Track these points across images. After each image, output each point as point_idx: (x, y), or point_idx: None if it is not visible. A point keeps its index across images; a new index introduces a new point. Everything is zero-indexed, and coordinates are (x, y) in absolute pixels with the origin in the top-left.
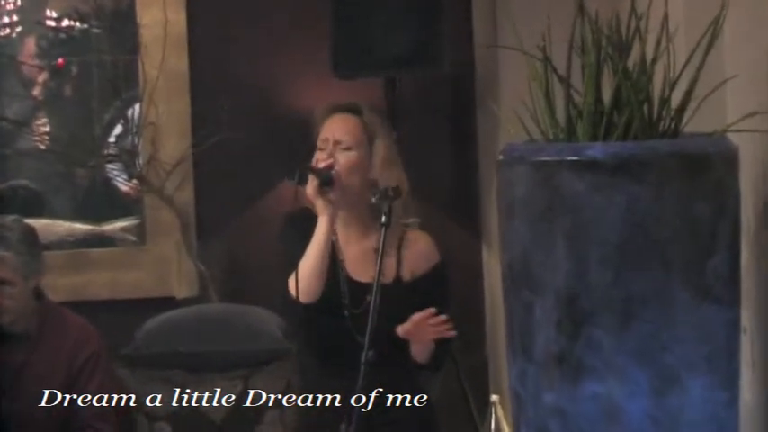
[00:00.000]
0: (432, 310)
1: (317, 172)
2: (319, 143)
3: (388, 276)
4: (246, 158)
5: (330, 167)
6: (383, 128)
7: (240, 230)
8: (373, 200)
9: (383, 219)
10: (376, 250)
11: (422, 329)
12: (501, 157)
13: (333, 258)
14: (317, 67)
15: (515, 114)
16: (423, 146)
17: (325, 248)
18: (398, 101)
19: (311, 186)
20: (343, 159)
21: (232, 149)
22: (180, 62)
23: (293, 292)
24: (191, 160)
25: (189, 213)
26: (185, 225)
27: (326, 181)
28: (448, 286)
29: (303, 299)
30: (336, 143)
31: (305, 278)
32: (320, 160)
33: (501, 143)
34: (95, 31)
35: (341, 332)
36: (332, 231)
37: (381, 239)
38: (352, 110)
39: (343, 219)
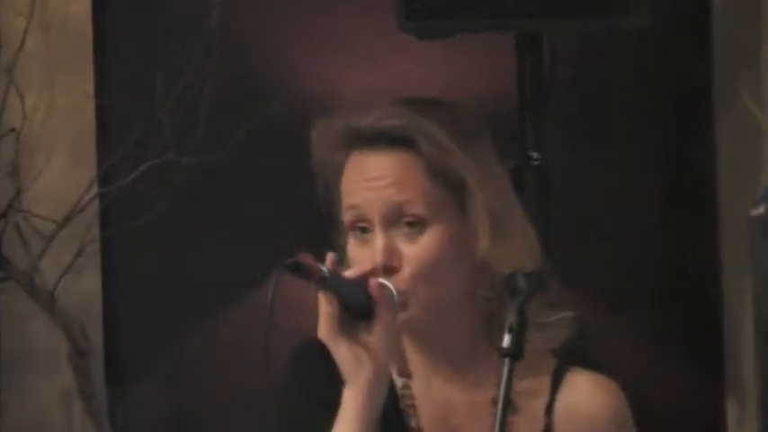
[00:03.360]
0: None
1: (332, 284)
2: (348, 215)
3: None
4: (216, 208)
5: (366, 275)
6: (472, 149)
7: (196, 366)
8: (482, 293)
9: (506, 340)
10: (494, 402)
11: None
12: (761, 209)
13: (397, 421)
14: (373, 15)
15: None
16: (595, 176)
17: None
18: (545, 84)
19: (325, 316)
20: (415, 254)
21: (186, 190)
22: (76, 2)
23: None
24: (96, 212)
25: (91, 328)
26: (82, 353)
27: (357, 309)
28: None
29: None
30: (391, 219)
31: None
32: (362, 262)
33: (764, 179)
34: None
35: None
36: (371, 415)
37: (504, 383)
38: (392, 139)
39: (419, 339)
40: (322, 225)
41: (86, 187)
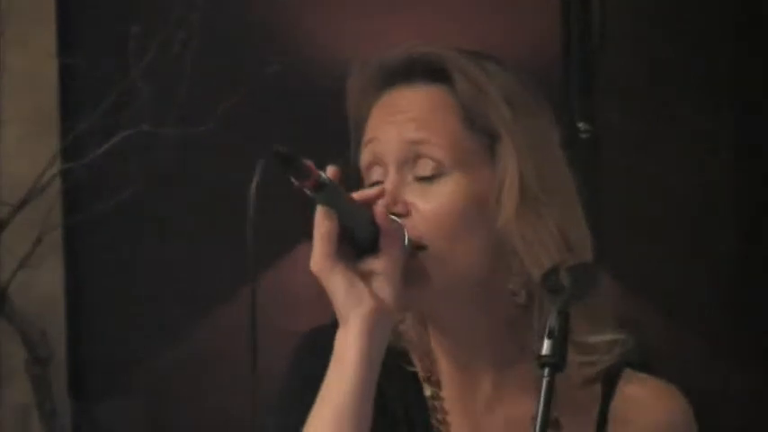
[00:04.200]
0: None
1: (331, 197)
2: (364, 155)
3: None
4: (200, 189)
5: (372, 200)
6: (514, 98)
7: (173, 376)
8: (511, 285)
9: (546, 346)
10: (534, 420)
11: None
12: None
13: None
14: None
15: None
16: (656, 153)
17: (353, 407)
18: (594, 38)
19: (321, 238)
20: (429, 206)
21: (164, 168)
22: None
23: None
24: (59, 193)
25: (52, 332)
26: (42, 361)
27: (360, 235)
28: None
29: None
30: (404, 162)
31: None
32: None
33: None
34: None
35: None
36: (371, 367)
37: (543, 398)
38: (426, 69)
39: (450, 349)
40: None
41: (47, 163)
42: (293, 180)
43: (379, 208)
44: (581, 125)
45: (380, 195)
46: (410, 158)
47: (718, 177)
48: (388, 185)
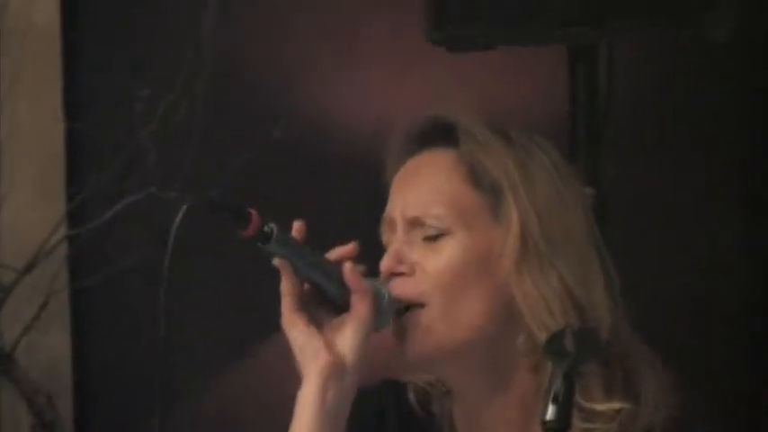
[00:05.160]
0: None
1: (284, 250)
2: (383, 233)
3: None
4: (210, 253)
5: (341, 260)
6: (519, 155)
7: None
8: (519, 349)
9: (550, 411)
10: None
11: None
12: None
13: None
14: (396, 21)
15: None
16: (666, 215)
17: None
18: (601, 105)
19: (283, 296)
20: (431, 263)
21: (180, 231)
22: (42, 8)
23: None
24: (65, 258)
25: (58, 398)
26: (48, 426)
27: (328, 294)
28: None
29: None
30: (411, 224)
31: None
32: (385, 270)
33: None
34: None
35: None
36: (328, 419)
37: None
38: (441, 134)
39: (469, 423)
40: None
41: (53, 227)
42: (238, 231)
43: (346, 266)
44: (587, 189)
45: (351, 252)
46: (417, 224)
47: (732, 228)
48: (395, 245)
